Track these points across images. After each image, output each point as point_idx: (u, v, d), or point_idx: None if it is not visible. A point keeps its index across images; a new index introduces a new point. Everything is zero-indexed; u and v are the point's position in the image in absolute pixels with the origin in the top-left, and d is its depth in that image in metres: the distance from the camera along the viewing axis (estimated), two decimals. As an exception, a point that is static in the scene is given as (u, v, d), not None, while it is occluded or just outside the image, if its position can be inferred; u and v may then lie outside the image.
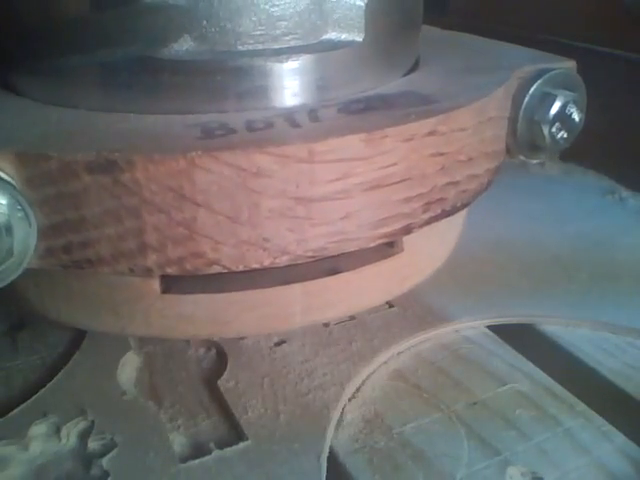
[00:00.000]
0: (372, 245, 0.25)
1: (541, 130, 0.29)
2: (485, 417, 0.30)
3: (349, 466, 0.27)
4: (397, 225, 0.25)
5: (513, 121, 0.29)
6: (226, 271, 0.24)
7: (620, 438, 0.28)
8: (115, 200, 0.22)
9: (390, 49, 0.29)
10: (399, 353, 0.34)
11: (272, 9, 0.25)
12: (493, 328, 0.35)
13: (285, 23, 0.25)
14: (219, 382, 0.32)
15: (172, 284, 0.26)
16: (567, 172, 0.55)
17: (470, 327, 0.35)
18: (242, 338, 0.35)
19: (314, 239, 0.24)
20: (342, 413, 0.30)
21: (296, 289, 0.27)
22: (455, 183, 0.27)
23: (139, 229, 0.22)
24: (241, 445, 0.28)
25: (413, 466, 0.27)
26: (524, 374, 0.32)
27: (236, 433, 0.29)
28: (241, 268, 0.24)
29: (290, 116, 0.25)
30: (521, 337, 0.35)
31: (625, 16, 0.50)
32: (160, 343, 0.35)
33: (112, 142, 0.23)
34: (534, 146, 0.30)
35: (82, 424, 0.29)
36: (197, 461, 0.27)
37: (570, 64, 0.31)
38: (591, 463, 0.27)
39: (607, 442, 0.28)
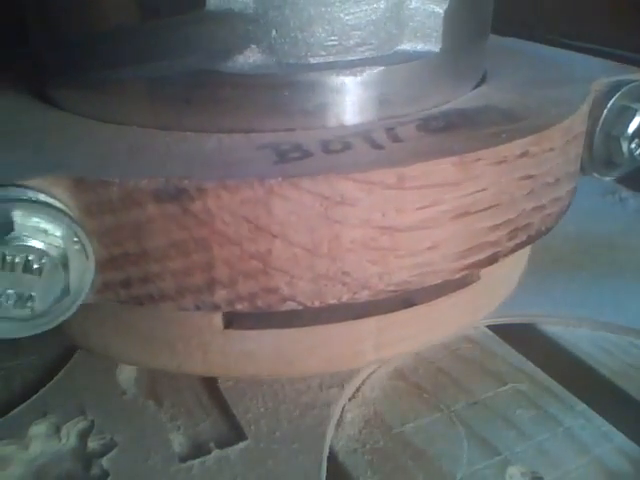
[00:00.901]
0: (456, 277, 0.24)
1: (620, 146, 0.28)
2: (485, 417, 0.30)
3: (349, 466, 0.27)
4: (483, 255, 0.24)
5: (589, 136, 0.28)
6: (300, 307, 0.22)
7: (620, 438, 0.28)
8: (183, 231, 0.20)
9: (464, 59, 0.27)
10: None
11: (347, 17, 0.23)
12: (493, 328, 0.35)
13: (359, 33, 0.23)
14: (219, 382, 0.31)
15: (234, 319, 0.24)
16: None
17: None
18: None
19: (398, 272, 0.22)
20: (342, 413, 0.30)
21: (370, 324, 0.25)
22: (541, 207, 0.25)
23: (208, 263, 0.21)
24: (241, 445, 0.28)
25: (413, 466, 0.27)
26: (524, 374, 0.32)
27: (236, 433, 0.29)
28: (317, 304, 0.22)
29: (368, 135, 0.23)
30: (521, 337, 0.35)
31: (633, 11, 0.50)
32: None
33: (177, 166, 0.21)
34: (610, 163, 0.29)
35: (82, 424, 0.29)
36: (197, 461, 0.27)
37: None
38: (591, 463, 0.27)
39: (607, 442, 0.28)
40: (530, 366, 0.33)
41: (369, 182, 0.21)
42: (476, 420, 0.29)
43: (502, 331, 0.35)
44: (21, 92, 0.28)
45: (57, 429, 0.29)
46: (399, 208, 0.21)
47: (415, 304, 0.25)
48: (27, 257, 0.19)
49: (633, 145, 0.28)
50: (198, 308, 0.21)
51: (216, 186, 0.20)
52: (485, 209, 0.23)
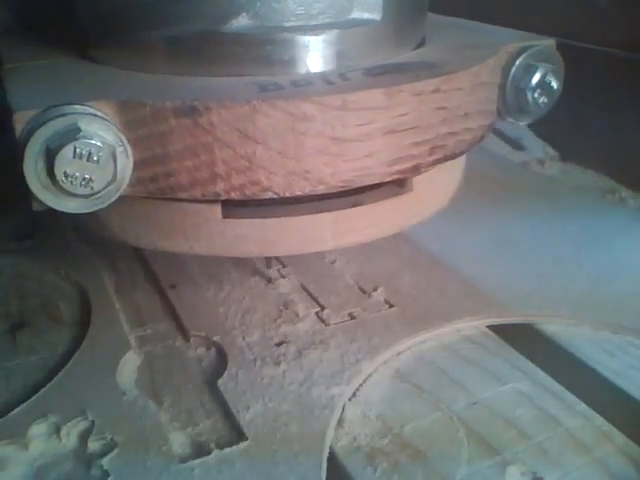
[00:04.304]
0: (388, 179, 0.31)
1: (525, 95, 0.34)
2: (485, 417, 0.30)
3: (349, 466, 0.27)
4: (408, 164, 0.31)
5: (502, 88, 0.35)
6: (276, 197, 0.29)
7: (620, 438, 0.28)
8: (194, 138, 0.27)
9: (402, 27, 0.35)
10: (399, 353, 0.34)
11: None
12: (493, 328, 0.36)
13: (320, 5, 0.31)
14: (219, 382, 0.31)
15: (231, 211, 0.31)
16: (567, 172, 0.55)
17: (470, 327, 0.35)
18: (244, 337, 0.35)
19: (344, 172, 0.29)
20: (342, 413, 0.30)
21: (327, 217, 0.32)
22: (454, 133, 0.32)
23: (211, 161, 0.28)
24: (241, 445, 0.28)
25: (413, 466, 0.27)
26: (524, 374, 0.32)
27: (236, 433, 0.29)
28: (287, 194, 0.29)
29: (325, 77, 0.30)
30: (521, 337, 0.35)
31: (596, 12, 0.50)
32: (160, 342, 0.35)
33: (190, 94, 0.28)
34: (520, 109, 0.35)
35: (82, 424, 0.29)
36: (197, 461, 0.27)
37: (550, 42, 0.35)
38: (591, 463, 0.27)
39: (607, 442, 0.28)
40: (530, 366, 0.33)
41: (322, 104, 0.28)
42: (476, 420, 0.30)
43: (502, 331, 0.35)
44: (66, 53, 0.36)
45: (57, 429, 0.29)
46: (344, 124, 0.28)
47: (362, 205, 0.32)
48: (90, 150, 0.26)
49: (536, 95, 0.34)
50: (204, 196, 0.29)
51: (217, 105, 0.27)
52: (408, 129, 0.30)
